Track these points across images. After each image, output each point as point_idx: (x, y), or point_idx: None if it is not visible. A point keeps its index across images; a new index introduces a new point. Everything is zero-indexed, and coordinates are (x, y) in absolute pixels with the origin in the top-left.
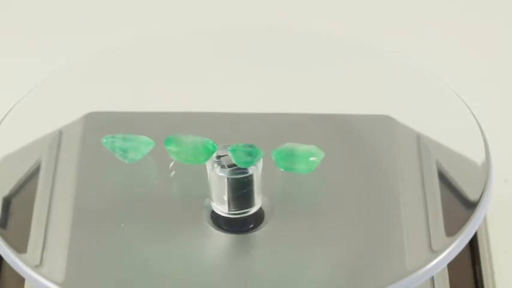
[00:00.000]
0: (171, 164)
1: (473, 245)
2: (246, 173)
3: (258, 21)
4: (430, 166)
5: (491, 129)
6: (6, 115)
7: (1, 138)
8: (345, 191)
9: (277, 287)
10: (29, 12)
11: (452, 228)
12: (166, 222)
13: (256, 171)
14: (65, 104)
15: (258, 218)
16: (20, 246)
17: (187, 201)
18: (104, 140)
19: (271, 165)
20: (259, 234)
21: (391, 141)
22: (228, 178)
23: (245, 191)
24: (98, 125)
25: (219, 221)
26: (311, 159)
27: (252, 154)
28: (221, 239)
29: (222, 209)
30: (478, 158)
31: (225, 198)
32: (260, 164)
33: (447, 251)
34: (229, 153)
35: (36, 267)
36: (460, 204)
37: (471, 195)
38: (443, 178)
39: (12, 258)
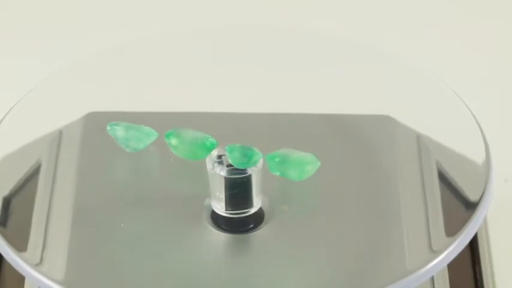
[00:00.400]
0: (172, 160)
1: (473, 245)
2: (245, 173)
3: (258, 21)
4: (430, 166)
5: (491, 129)
6: (6, 115)
7: (1, 138)
8: (345, 191)
9: (276, 287)
10: (29, 12)
11: (452, 229)
12: (167, 222)
13: (255, 171)
14: (65, 104)
15: (258, 218)
16: (20, 245)
17: (188, 201)
18: (108, 128)
19: None
20: (259, 234)
21: (391, 141)
22: (225, 177)
23: (236, 191)
24: (98, 125)
25: (218, 221)
26: (306, 168)
27: (247, 155)
28: (221, 238)
29: (220, 208)
30: (478, 158)
31: (222, 197)
32: (260, 165)
33: (447, 251)
34: (226, 153)
35: (36, 265)
36: (460, 205)
37: (471, 195)
38: (443, 178)
39: (12, 257)
